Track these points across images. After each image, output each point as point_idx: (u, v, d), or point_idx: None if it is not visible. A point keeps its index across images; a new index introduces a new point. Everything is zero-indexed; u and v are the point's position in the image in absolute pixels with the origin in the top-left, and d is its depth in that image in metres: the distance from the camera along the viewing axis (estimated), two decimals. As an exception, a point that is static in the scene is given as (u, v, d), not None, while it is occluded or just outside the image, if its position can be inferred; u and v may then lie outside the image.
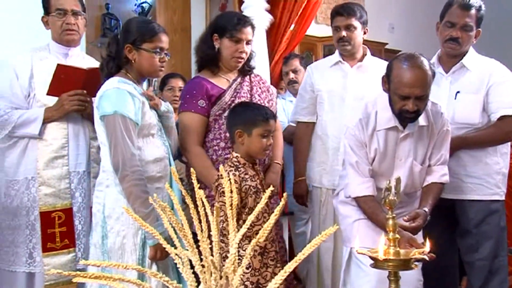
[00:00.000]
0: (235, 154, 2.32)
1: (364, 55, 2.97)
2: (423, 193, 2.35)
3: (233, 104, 2.52)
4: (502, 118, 2.51)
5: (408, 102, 2.14)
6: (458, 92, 2.59)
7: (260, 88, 2.66)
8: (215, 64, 2.57)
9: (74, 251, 2.58)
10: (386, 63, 2.41)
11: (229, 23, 2.51)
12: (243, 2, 3.66)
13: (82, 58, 2.80)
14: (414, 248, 1.87)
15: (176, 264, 1.13)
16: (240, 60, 2.55)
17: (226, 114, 2.52)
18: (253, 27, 2.57)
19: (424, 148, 2.32)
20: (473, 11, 2.53)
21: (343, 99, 2.87)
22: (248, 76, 2.65)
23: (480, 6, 2.56)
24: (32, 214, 2.54)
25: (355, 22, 2.82)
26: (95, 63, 2.84)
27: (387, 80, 2.25)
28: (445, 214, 2.61)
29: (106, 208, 2.22)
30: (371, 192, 2.28)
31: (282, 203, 1.26)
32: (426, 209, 2.23)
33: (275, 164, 2.62)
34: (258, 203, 2.06)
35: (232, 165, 2.27)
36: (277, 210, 1.17)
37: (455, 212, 2.64)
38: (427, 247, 1.73)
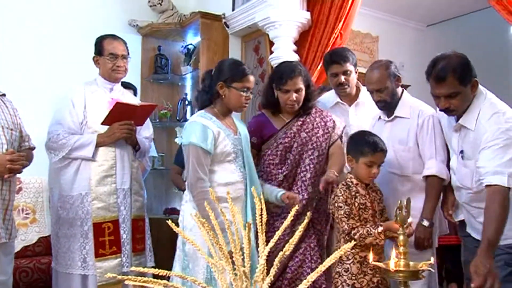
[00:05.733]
0: (349, 175, 2.35)
1: (358, 91, 2.94)
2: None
3: (279, 146, 2.54)
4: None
5: (374, 95, 2.48)
6: (462, 151, 2.20)
7: (312, 124, 2.60)
8: (276, 107, 2.61)
9: (120, 256, 2.65)
10: None
11: (278, 77, 2.52)
12: (274, 44, 3.70)
13: (122, 93, 2.92)
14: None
15: None
16: (292, 106, 2.54)
17: (269, 152, 2.56)
18: (301, 75, 2.51)
19: (403, 133, 2.46)
20: (450, 78, 2.03)
21: (348, 135, 2.81)
22: (304, 116, 2.61)
23: (455, 69, 2.03)
24: (86, 225, 2.62)
25: (350, 67, 2.79)
26: (132, 96, 3.06)
27: None
28: None
29: (184, 220, 2.35)
30: None
31: (305, 221, 1.25)
32: (424, 222, 2.34)
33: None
34: (364, 217, 2.24)
35: (346, 184, 2.30)
36: (301, 227, 1.17)
37: None
38: None
